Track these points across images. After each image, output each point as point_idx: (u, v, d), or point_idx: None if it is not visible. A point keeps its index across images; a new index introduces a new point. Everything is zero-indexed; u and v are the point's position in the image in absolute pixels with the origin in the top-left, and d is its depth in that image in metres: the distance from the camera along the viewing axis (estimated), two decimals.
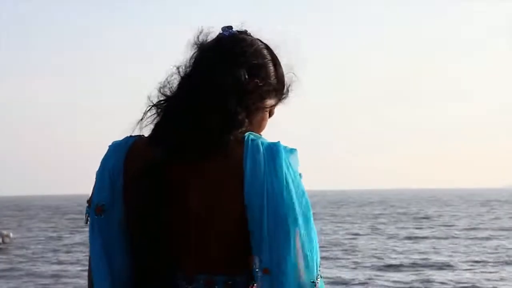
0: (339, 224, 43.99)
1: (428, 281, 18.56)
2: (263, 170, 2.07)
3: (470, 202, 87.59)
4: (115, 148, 2.20)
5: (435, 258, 23.59)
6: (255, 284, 2.12)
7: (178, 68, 2.22)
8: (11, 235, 34.91)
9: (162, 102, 2.20)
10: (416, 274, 19.81)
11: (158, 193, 2.09)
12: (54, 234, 38.55)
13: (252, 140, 2.11)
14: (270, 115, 2.27)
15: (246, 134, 2.12)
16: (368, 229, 39.52)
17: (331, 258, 24.16)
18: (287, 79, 2.27)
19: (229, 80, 2.13)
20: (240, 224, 2.08)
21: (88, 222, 2.19)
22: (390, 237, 33.64)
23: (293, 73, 2.28)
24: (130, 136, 2.22)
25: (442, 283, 18.37)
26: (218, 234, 2.09)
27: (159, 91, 2.22)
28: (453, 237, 32.61)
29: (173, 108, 2.16)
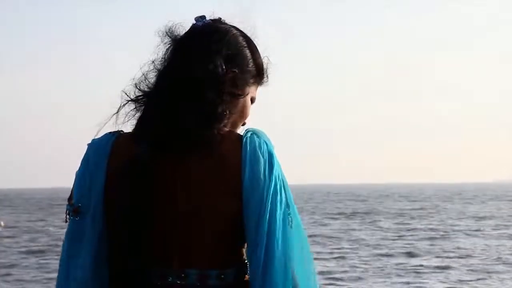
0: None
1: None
2: (262, 172, 2.07)
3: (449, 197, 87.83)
4: (96, 146, 2.16)
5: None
6: (246, 275, 2.13)
7: (153, 62, 2.19)
8: (2, 223, 35.37)
9: (140, 97, 2.17)
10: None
11: (144, 190, 2.06)
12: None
13: (251, 140, 2.09)
14: (252, 102, 2.25)
15: (244, 132, 2.12)
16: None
17: None
18: (264, 63, 2.25)
19: (206, 72, 2.10)
20: (232, 220, 2.07)
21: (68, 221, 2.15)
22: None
23: (267, 57, 2.25)
24: (110, 133, 2.18)
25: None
26: (209, 230, 2.07)
27: (136, 86, 2.18)
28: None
29: (153, 103, 2.13)
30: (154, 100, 2.13)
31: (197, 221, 2.07)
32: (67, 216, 2.15)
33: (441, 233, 31.60)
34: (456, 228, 34.44)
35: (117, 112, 2.18)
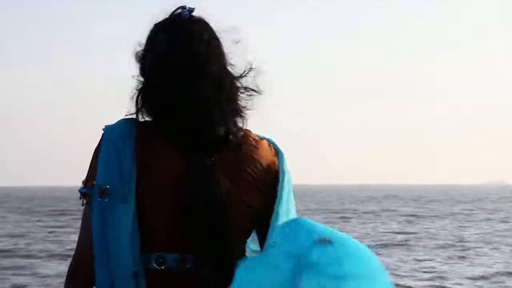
0: None
1: None
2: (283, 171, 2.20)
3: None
4: (121, 132, 2.13)
5: None
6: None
7: (151, 52, 2.17)
8: None
9: (150, 88, 2.15)
10: None
11: (204, 191, 2.09)
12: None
13: (275, 146, 2.22)
14: None
15: (268, 138, 2.22)
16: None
17: None
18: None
19: (224, 70, 2.16)
20: (256, 214, 2.16)
21: (88, 203, 2.11)
22: None
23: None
24: (126, 120, 2.16)
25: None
26: (236, 224, 2.13)
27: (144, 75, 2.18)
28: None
29: (176, 101, 2.12)
30: (174, 96, 2.12)
31: (227, 216, 2.11)
32: (84, 200, 2.12)
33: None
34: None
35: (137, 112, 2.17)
